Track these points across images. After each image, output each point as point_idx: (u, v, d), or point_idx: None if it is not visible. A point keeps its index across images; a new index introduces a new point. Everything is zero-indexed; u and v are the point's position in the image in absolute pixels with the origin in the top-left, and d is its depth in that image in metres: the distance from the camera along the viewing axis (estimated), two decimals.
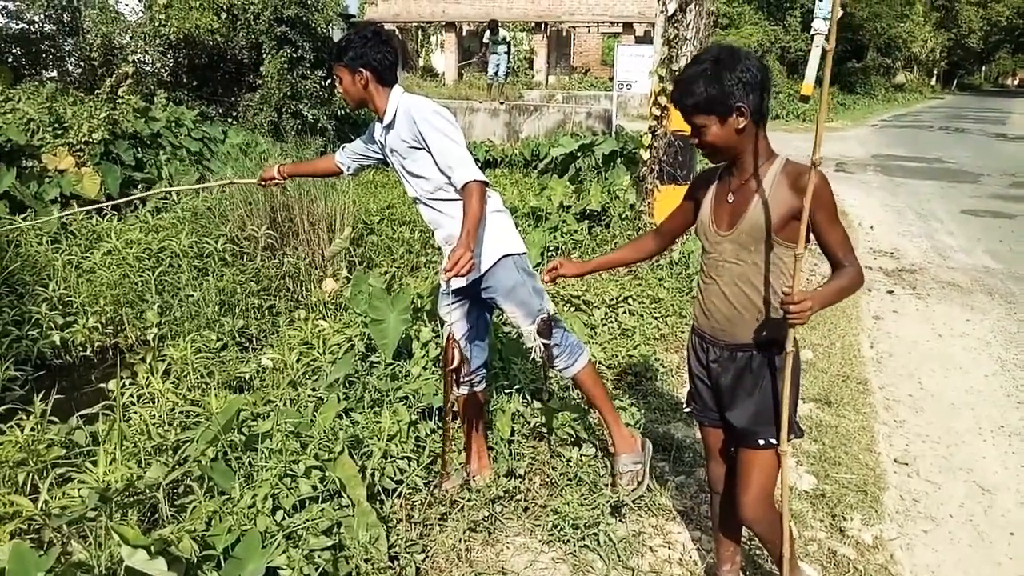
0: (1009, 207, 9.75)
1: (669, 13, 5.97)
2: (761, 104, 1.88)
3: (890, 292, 6.05)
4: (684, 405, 2.35)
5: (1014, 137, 19.66)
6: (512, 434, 3.24)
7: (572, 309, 4.81)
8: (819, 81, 18.76)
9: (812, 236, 1.92)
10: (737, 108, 1.85)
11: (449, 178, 2.56)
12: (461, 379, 2.60)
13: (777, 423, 2.01)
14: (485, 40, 17.61)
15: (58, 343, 4.63)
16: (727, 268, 2.00)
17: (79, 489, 2.59)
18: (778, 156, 1.95)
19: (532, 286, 2.71)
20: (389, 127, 2.66)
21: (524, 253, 2.72)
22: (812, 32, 22.36)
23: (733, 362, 2.06)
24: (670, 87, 6.04)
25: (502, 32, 16.54)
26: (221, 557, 2.17)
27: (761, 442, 2.04)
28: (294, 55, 10.22)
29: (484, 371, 2.94)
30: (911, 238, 8.03)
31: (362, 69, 2.57)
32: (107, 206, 5.78)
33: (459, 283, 2.65)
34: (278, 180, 3.17)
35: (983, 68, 68.71)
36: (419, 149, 2.60)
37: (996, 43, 55.92)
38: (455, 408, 2.99)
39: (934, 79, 52.32)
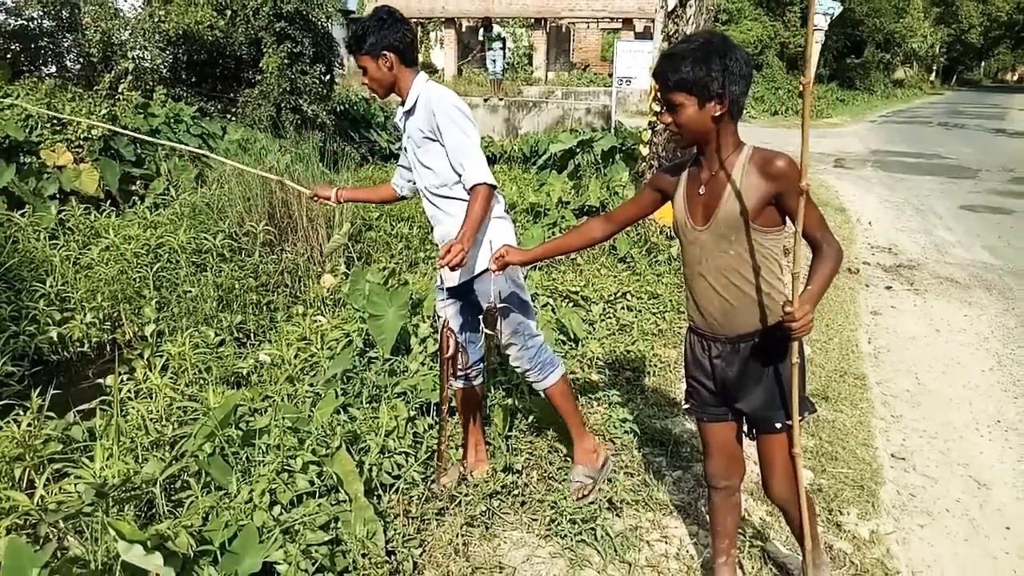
0: (1008, 203, 9.75)
1: (669, 8, 5.97)
2: (741, 97, 1.88)
3: (888, 288, 6.05)
4: (683, 402, 2.34)
5: (1013, 133, 19.65)
6: (510, 429, 3.25)
7: (570, 304, 4.82)
8: (817, 74, 18.71)
9: (787, 219, 1.92)
10: (718, 95, 1.84)
11: (459, 175, 2.53)
12: (457, 370, 2.60)
13: (787, 410, 2.02)
14: (480, 37, 17.64)
15: (55, 339, 4.63)
16: (711, 262, 1.99)
17: (76, 484, 2.59)
18: (745, 145, 1.95)
19: (519, 298, 2.69)
20: (409, 113, 2.63)
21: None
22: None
23: (737, 354, 2.05)
24: None
25: (496, 29, 16.55)
26: (218, 552, 2.17)
27: (779, 426, 2.06)
28: (293, 51, 10.21)
29: (481, 365, 2.94)
30: (909, 234, 8.03)
31: (386, 52, 2.53)
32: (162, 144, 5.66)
33: (451, 281, 2.65)
34: (330, 202, 3.05)
35: (983, 64, 68.62)
36: (433, 141, 2.57)
37: (996, 39, 55.82)
38: (451, 399, 3.00)
39: (933, 75, 52.31)
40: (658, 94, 6.26)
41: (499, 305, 2.51)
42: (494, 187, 2.51)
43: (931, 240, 7.73)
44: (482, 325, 2.57)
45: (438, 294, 2.81)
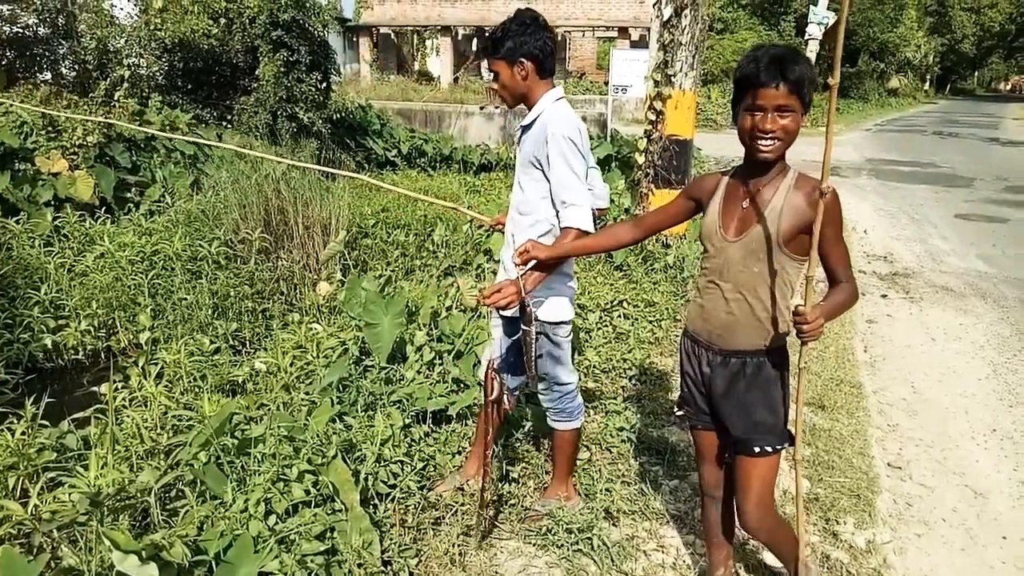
0: (1002, 211, 9.80)
1: (665, 18, 5.99)
2: None
3: (884, 296, 6.06)
4: (675, 408, 2.34)
5: (1007, 142, 19.78)
6: (506, 438, 3.24)
7: None
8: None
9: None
10: (810, 103, 1.83)
11: (557, 212, 2.40)
12: (504, 412, 2.49)
13: (782, 427, 2.03)
14: (475, 46, 17.69)
15: (50, 346, 4.60)
16: (731, 274, 1.98)
17: (70, 494, 2.57)
18: (791, 168, 1.94)
19: (551, 353, 2.60)
20: (527, 128, 2.50)
21: (562, 323, 2.57)
22: (807, 36, 22.48)
23: (725, 368, 2.06)
24: (665, 91, 6.06)
25: None
26: (213, 562, 2.15)
27: (756, 450, 2.04)
28: (290, 59, 10.22)
29: (517, 392, 2.90)
30: (905, 242, 8.06)
31: (523, 60, 2.40)
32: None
33: (503, 309, 2.58)
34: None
35: (976, 73, 69.15)
36: (537, 168, 2.43)
37: (989, 48, 56.36)
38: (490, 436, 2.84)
39: (928, 84, 52.65)
40: (653, 103, 6.18)
41: (535, 309, 2.38)
42: (588, 234, 2.36)
43: (926, 248, 7.76)
44: (522, 327, 2.39)
45: (492, 310, 2.69)
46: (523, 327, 2.36)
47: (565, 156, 2.34)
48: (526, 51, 2.40)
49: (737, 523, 2.25)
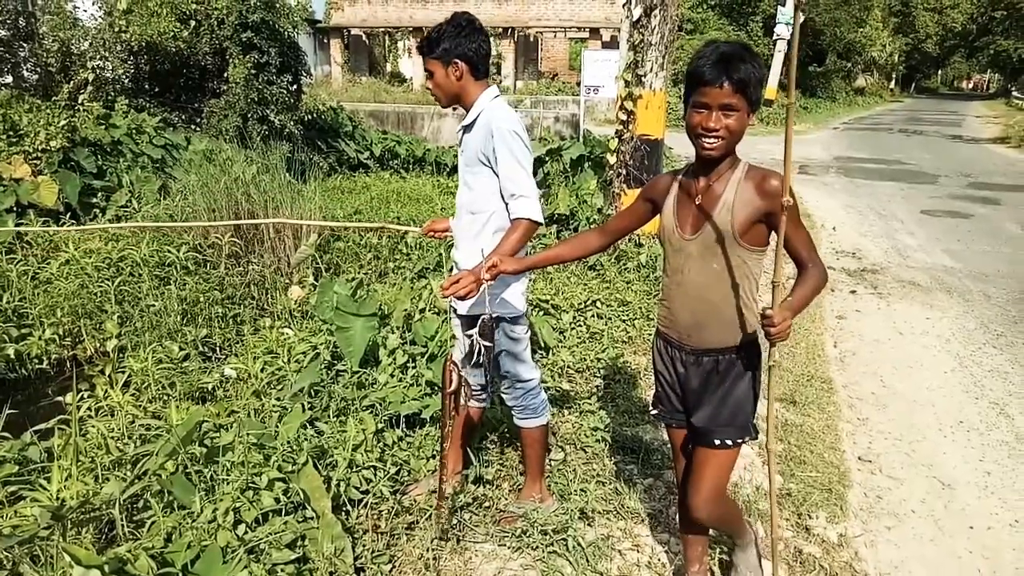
0: (966, 207, 10.01)
1: (634, 18, 6.01)
2: None
3: (853, 292, 6.15)
4: (650, 407, 2.35)
5: (970, 139, 20.21)
6: (480, 440, 3.22)
7: (541, 313, 4.81)
8: (779, 81, 19.04)
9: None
10: (758, 102, 1.84)
11: (506, 204, 2.43)
12: (459, 405, 2.50)
13: (745, 421, 2.04)
14: None
15: (12, 356, 4.49)
16: (692, 273, 1.98)
17: (31, 507, 2.50)
18: (741, 160, 1.94)
19: (509, 350, 2.61)
20: (467, 128, 2.53)
21: (518, 316, 2.59)
22: (775, 37, 22.77)
23: (699, 366, 2.06)
24: (636, 92, 6.08)
25: None
26: (180, 574, 2.11)
27: (717, 442, 2.06)
28: (260, 60, 10.11)
29: (485, 393, 2.90)
30: (872, 238, 8.19)
31: (457, 60, 2.44)
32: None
33: (460, 308, 2.58)
34: (450, 235, 2.77)
35: (940, 72, 70.66)
36: (485, 165, 2.46)
37: (951, 48, 57.62)
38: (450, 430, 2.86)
39: (893, 83, 53.65)
40: (624, 103, 6.21)
41: (494, 315, 2.38)
42: (539, 224, 2.39)
43: (893, 244, 7.89)
44: (477, 340, 2.38)
45: (451, 311, 2.72)
46: (484, 344, 2.34)
47: (512, 149, 2.38)
48: (460, 52, 2.44)
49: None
